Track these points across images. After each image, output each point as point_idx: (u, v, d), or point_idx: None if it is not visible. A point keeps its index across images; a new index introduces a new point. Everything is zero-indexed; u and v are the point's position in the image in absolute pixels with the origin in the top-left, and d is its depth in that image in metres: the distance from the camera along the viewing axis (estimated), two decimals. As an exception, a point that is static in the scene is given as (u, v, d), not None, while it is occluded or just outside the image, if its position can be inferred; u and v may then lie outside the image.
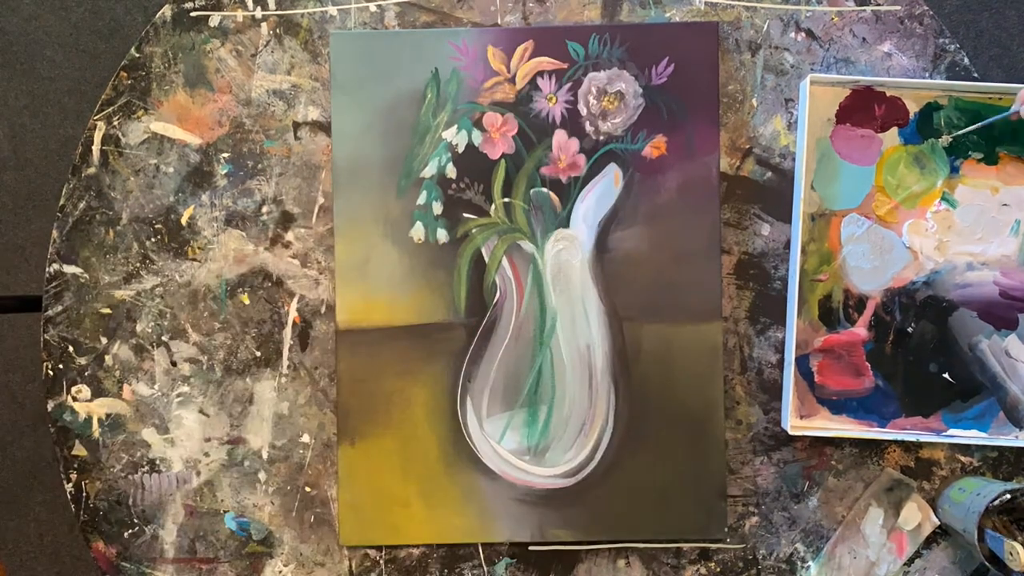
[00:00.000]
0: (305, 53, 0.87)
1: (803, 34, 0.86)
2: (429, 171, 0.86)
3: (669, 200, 0.85)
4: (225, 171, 0.87)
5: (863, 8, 0.86)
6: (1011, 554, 0.74)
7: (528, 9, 0.87)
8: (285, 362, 0.87)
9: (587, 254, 0.85)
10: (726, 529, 0.85)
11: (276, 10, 0.87)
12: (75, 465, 0.87)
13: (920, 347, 0.84)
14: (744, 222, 0.86)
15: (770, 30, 0.86)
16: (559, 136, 0.86)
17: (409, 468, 0.85)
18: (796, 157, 0.85)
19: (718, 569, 0.85)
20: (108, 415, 0.87)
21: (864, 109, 0.84)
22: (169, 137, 0.88)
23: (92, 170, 0.88)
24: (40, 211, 1.60)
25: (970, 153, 0.83)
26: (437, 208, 0.86)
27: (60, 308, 0.87)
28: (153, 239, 0.87)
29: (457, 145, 0.86)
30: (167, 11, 0.88)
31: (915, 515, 0.84)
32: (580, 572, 0.85)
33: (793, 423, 0.83)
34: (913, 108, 0.84)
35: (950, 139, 0.76)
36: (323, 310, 0.87)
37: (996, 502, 0.76)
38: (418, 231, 0.86)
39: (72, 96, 1.60)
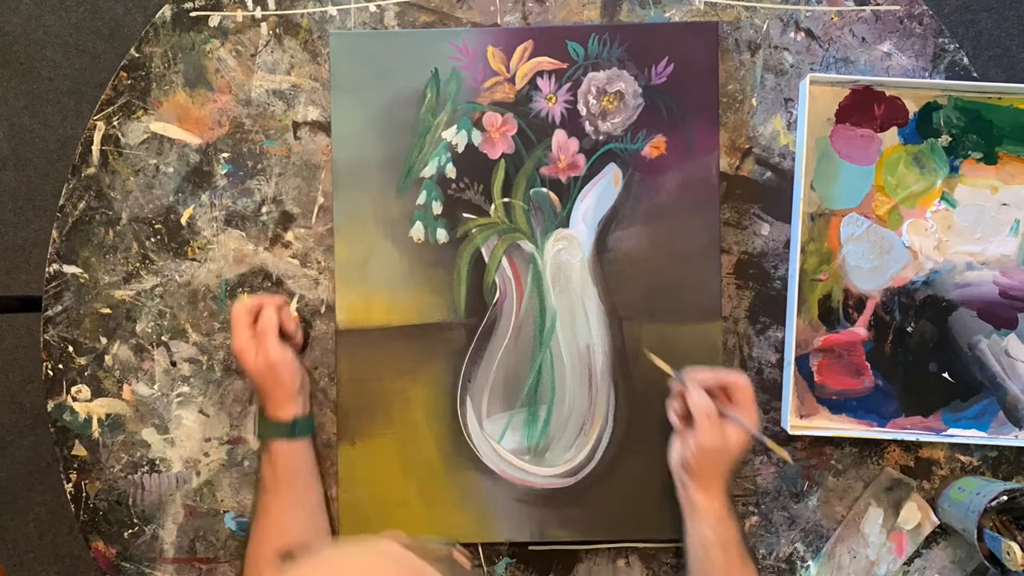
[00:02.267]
0: (305, 53, 0.87)
1: (803, 34, 0.86)
2: (429, 171, 0.86)
3: (669, 200, 0.85)
4: (225, 171, 0.87)
5: (863, 8, 0.86)
6: (1008, 554, 0.74)
7: (528, 9, 0.87)
8: (285, 362, 0.87)
9: (587, 254, 0.85)
10: (726, 529, 0.85)
11: (276, 10, 0.87)
12: (75, 465, 0.87)
13: (920, 347, 0.84)
14: (744, 222, 0.86)
15: (770, 30, 0.86)
16: (559, 136, 0.86)
17: (409, 468, 0.85)
18: (796, 157, 0.85)
19: (718, 569, 0.85)
20: (108, 415, 0.87)
21: (864, 109, 0.84)
22: (169, 137, 0.88)
23: (92, 170, 0.88)
24: (40, 211, 1.60)
25: (969, 153, 0.83)
26: (437, 208, 0.86)
27: (60, 308, 0.87)
28: (153, 239, 0.87)
29: (457, 145, 0.86)
30: (167, 11, 0.88)
31: (915, 515, 0.84)
32: (580, 572, 0.85)
33: (793, 423, 0.83)
34: (912, 108, 0.84)
35: None
36: (323, 310, 0.87)
37: (995, 502, 0.76)
38: (418, 231, 0.86)
39: (72, 96, 1.61)
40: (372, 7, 0.87)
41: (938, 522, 0.84)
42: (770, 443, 0.77)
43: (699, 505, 0.76)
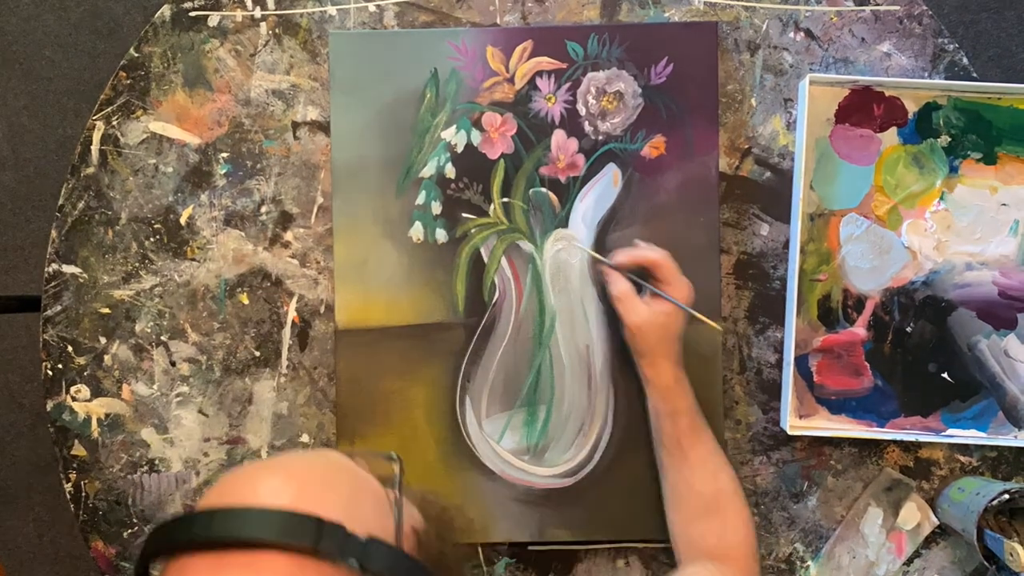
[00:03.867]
0: (304, 53, 0.87)
1: (802, 34, 0.86)
2: (428, 171, 0.86)
3: (668, 200, 0.85)
4: (224, 171, 0.87)
5: (862, 8, 0.86)
6: (1011, 555, 0.74)
7: (527, 9, 0.87)
8: (284, 362, 0.87)
9: (586, 254, 0.85)
10: (725, 529, 0.85)
11: (275, 10, 0.87)
12: (74, 465, 0.87)
13: (919, 347, 0.84)
14: (743, 222, 0.86)
15: (769, 30, 0.86)
16: (558, 136, 0.86)
17: (409, 468, 0.84)
18: (795, 157, 0.85)
19: (717, 569, 0.85)
20: (107, 415, 0.87)
21: (863, 109, 0.84)
22: (168, 137, 0.88)
23: (91, 170, 0.88)
24: (39, 211, 1.60)
25: (969, 153, 0.83)
26: (436, 208, 0.86)
27: (59, 308, 0.87)
28: (152, 239, 0.87)
29: (456, 145, 0.86)
30: (166, 11, 0.87)
31: (914, 515, 0.84)
32: (579, 572, 0.85)
33: (792, 423, 0.83)
34: (912, 108, 0.84)
35: None
36: (322, 310, 0.87)
37: (995, 502, 0.76)
38: (417, 231, 0.86)
39: (72, 96, 1.60)
40: (371, 7, 0.87)
41: (937, 522, 0.84)
42: (697, 315, 0.79)
43: (647, 377, 0.81)
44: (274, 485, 0.49)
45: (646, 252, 0.81)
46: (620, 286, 0.81)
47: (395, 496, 0.55)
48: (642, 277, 0.80)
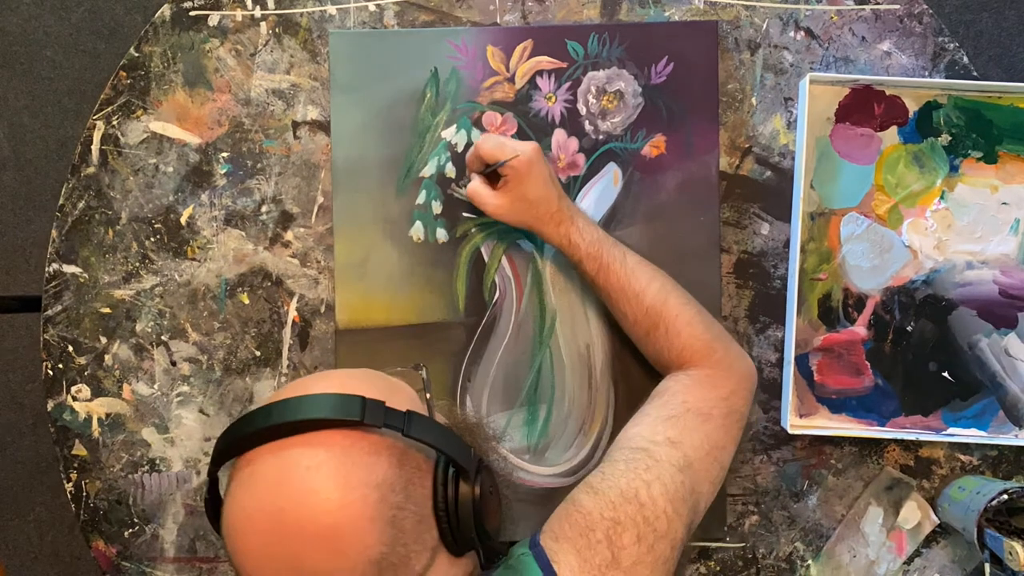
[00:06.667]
0: (304, 52, 0.87)
1: (802, 33, 0.86)
2: (428, 170, 0.86)
3: (668, 199, 0.85)
4: (224, 170, 0.87)
5: (862, 7, 0.86)
6: (1011, 554, 0.74)
7: (527, 8, 0.87)
8: (285, 361, 0.87)
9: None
10: (726, 528, 0.85)
11: (275, 9, 0.87)
12: (75, 465, 0.87)
13: (920, 346, 0.84)
14: (743, 221, 0.86)
15: (769, 29, 0.86)
16: (558, 135, 0.86)
17: (409, 467, 0.85)
18: (795, 156, 0.85)
19: (718, 568, 0.85)
20: (108, 415, 0.87)
21: (863, 108, 0.84)
22: (168, 137, 0.88)
23: (91, 170, 0.88)
24: (40, 211, 1.60)
25: (969, 152, 0.83)
26: (436, 207, 0.86)
27: (60, 308, 0.87)
28: (152, 239, 0.87)
29: (456, 144, 0.86)
30: (166, 11, 0.88)
31: (915, 514, 0.84)
32: (580, 571, 0.85)
33: (793, 422, 0.83)
34: (912, 107, 0.84)
35: None
36: (323, 309, 0.87)
37: (995, 501, 0.76)
38: (417, 230, 0.86)
39: (72, 96, 1.60)
40: (371, 6, 0.87)
41: (938, 521, 0.84)
42: (509, 161, 0.76)
43: (557, 245, 0.79)
44: (322, 384, 0.59)
45: (472, 151, 0.80)
46: (469, 188, 0.80)
47: (427, 396, 0.64)
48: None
